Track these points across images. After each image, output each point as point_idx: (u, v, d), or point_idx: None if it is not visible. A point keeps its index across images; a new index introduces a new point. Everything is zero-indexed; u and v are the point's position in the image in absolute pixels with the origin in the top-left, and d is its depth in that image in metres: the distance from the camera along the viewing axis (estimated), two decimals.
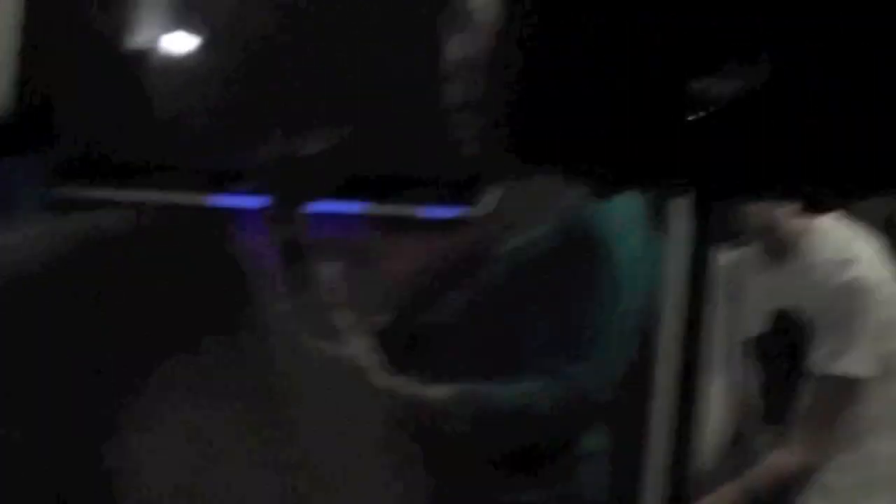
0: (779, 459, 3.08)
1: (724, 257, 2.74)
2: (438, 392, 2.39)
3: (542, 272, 2.46)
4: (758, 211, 3.06)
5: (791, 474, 3.05)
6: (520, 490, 2.48)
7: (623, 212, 2.44)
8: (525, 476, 2.49)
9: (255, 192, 2.39)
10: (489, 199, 2.64)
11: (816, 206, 2.79)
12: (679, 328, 1.61)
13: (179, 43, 2.36)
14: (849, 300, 2.98)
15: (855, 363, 2.98)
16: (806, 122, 1.50)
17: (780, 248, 3.11)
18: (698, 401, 1.59)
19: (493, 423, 2.40)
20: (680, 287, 1.61)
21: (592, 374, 2.41)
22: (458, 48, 2.56)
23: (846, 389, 3.01)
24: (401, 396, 2.38)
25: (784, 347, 3.11)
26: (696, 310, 1.62)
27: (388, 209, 5.07)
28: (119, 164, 5.09)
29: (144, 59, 2.46)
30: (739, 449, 3.20)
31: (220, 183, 2.42)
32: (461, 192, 2.77)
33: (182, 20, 2.35)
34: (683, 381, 1.59)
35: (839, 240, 3.06)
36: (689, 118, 1.49)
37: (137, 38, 2.42)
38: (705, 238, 1.64)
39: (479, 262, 2.52)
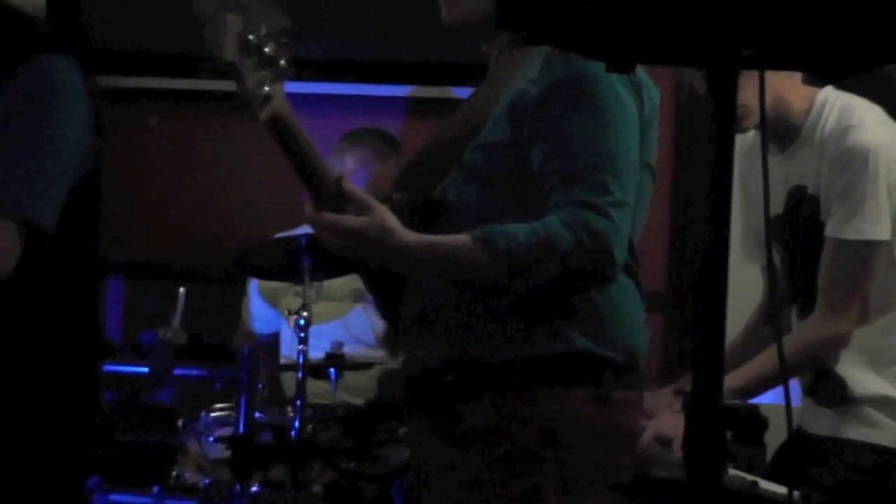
0: (808, 329, 3.12)
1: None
2: (460, 238, 2.38)
3: (538, 112, 2.44)
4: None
5: (822, 343, 3.09)
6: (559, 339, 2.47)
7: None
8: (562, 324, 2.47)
9: None
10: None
11: (818, 77, 2.77)
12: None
13: None
14: (852, 165, 3.01)
15: (866, 226, 3.01)
16: None
17: (787, 129, 3.14)
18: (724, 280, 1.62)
19: (516, 256, 2.35)
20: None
21: (613, 205, 2.38)
22: None
23: (861, 253, 3.03)
24: (427, 250, 2.39)
25: (801, 224, 3.14)
26: (720, 188, 1.64)
27: (410, 91, 5.07)
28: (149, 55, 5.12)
29: None
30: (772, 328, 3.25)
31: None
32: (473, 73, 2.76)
33: None
34: (711, 263, 1.61)
35: (840, 110, 3.08)
36: None
37: None
38: (726, 119, 1.65)
39: (479, 127, 2.52)
